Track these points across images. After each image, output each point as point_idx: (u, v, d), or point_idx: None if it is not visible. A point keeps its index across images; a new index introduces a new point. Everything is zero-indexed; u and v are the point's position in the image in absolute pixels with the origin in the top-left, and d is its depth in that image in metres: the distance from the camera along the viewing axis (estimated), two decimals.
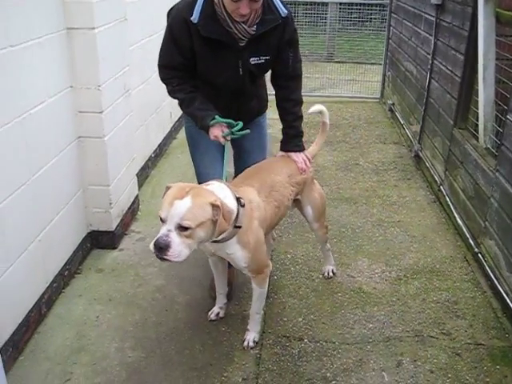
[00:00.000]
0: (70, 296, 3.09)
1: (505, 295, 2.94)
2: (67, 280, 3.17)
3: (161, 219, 2.10)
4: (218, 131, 2.55)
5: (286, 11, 2.59)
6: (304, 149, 2.93)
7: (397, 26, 6.39)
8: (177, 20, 2.51)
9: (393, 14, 6.63)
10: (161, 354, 2.69)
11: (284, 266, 3.42)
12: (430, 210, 4.15)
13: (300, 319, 2.94)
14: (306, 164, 2.87)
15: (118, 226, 3.55)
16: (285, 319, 2.94)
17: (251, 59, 2.60)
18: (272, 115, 6.45)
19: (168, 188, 2.20)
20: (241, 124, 2.57)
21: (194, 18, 2.44)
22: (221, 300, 2.92)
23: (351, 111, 6.70)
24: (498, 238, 3.07)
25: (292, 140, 2.91)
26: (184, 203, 2.06)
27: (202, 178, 2.78)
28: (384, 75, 7.05)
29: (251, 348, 2.71)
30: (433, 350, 2.72)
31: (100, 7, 3.04)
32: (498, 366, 2.61)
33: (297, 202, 2.95)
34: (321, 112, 3.06)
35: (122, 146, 3.54)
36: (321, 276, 3.30)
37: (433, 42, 4.51)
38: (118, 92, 3.41)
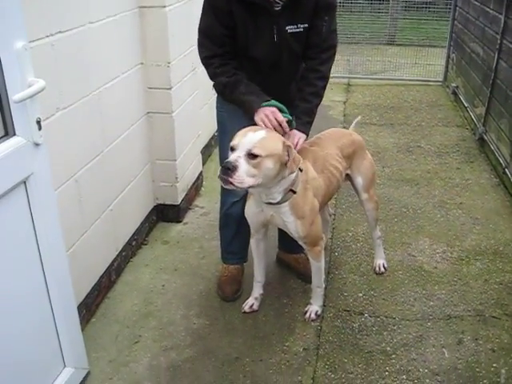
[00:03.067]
0: (138, 265, 3.23)
1: None
2: (135, 250, 3.31)
3: (231, 148, 2.20)
4: (276, 111, 2.40)
5: None
6: (308, 135, 2.62)
7: (463, 5, 6.24)
8: None
9: None
10: (224, 322, 2.78)
11: (345, 243, 3.45)
12: (493, 193, 4.08)
13: (360, 295, 2.97)
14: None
15: (182, 200, 3.67)
16: (345, 294, 2.98)
17: (288, 27, 2.41)
18: (332, 97, 6.47)
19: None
20: (288, 116, 2.46)
21: None
22: (257, 290, 2.87)
23: (413, 94, 6.61)
24: None
25: (301, 116, 2.56)
26: (258, 134, 2.20)
27: None
28: (448, 57, 6.90)
29: (312, 320, 2.77)
30: (495, 329, 2.71)
31: None
32: None
33: (347, 174, 2.93)
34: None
35: (188, 122, 3.64)
36: None
37: (502, 20, 4.39)
38: (186, 69, 3.51)
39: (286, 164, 2.24)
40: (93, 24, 2.57)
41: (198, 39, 2.51)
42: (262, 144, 2.16)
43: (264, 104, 2.40)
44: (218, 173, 2.18)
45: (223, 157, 2.74)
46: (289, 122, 2.43)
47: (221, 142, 2.80)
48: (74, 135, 2.49)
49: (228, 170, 2.12)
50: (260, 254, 2.81)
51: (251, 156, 2.15)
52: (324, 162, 2.65)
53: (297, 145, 2.47)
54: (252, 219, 2.65)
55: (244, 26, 2.39)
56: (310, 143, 2.71)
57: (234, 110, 2.61)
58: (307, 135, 2.60)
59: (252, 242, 2.80)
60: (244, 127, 2.33)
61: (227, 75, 2.46)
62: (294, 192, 2.40)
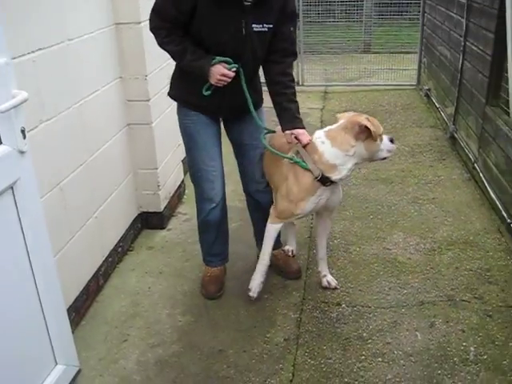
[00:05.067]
0: (124, 270, 3.36)
1: None
2: (121, 256, 3.44)
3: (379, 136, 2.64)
4: (221, 67, 2.53)
5: None
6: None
7: (431, 11, 6.48)
8: None
9: (426, 1, 6.72)
10: (208, 318, 2.92)
11: None
12: (464, 188, 4.26)
13: (338, 287, 3.12)
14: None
15: (165, 207, 3.81)
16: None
17: (254, 26, 2.53)
18: (310, 104, 6.64)
19: (367, 119, 2.62)
20: (235, 65, 2.58)
21: None
22: (262, 274, 2.95)
23: (388, 98, 6.81)
24: None
25: (297, 115, 2.74)
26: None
27: (202, 175, 2.86)
28: (420, 62, 7.13)
29: (336, 287, 3.09)
30: (465, 312, 2.86)
31: (145, 2, 3.29)
32: None
33: None
34: None
35: (167, 132, 3.79)
36: (358, 249, 3.48)
37: (464, 23, 4.61)
38: (163, 81, 3.65)
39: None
40: (71, 41, 2.71)
41: (150, 15, 2.60)
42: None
43: (213, 62, 2.52)
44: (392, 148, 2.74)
45: (198, 168, 2.87)
46: (236, 70, 2.60)
47: (191, 153, 2.89)
48: (58, 146, 2.63)
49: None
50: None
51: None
52: None
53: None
54: (310, 211, 2.85)
55: (209, 14, 2.47)
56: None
57: (199, 119, 2.78)
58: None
59: (277, 227, 2.90)
60: (211, 141, 2.77)
61: (174, 44, 2.57)
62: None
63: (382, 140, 2.67)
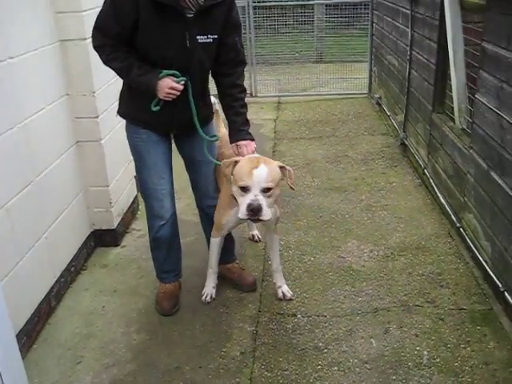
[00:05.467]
0: (78, 290, 3.30)
1: (484, 264, 3.13)
2: (74, 275, 3.38)
3: (243, 188, 2.51)
4: (169, 81, 2.52)
5: None
6: (254, 139, 2.82)
7: (379, 22, 6.63)
8: None
9: (374, 11, 6.89)
10: (163, 335, 2.88)
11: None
12: (416, 193, 4.35)
13: (293, 298, 3.13)
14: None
15: (119, 224, 3.76)
16: (279, 299, 3.13)
17: (198, 37, 2.53)
18: (263, 115, 6.71)
19: (236, 162, 2.57)
20: (184, 78, 2.57)
21: None
22: (213, 280, 3.12)
23: (340, 107, 6.92)
24: (476, 210, 3.26)
25: (243, 127, 2.78)
26: (263, 169, 2.51)
27: (151, 194, 2.87)
28: (370, 70, 7.28)
29: (291, 298, 3.10)
30: (418, 317, 2.92)
31: (90, 18, 3.25)
32: (478, 327, 2.81)
33: None
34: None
35: (118, 148, 3.74)
36: (312, 259, 3.50)
37: (410, 33, 4.73)
38: (111, 98, 3.60)
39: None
40: (13, 59, 2.66)
41: (92, 32, 2.57)
42: (270, 177, 2.52)
43: (160, 75, 2.51)
44: (245, 216, 2.52)
45: (147, 187, 2.87)
46: (184, 83, 2.60)
47: (140, 171, 2.90)
48: (2, 166, 2.57)
49: (257, 211, 2.47)
50: (220, 249, 3.08)
51: (266, 190, 2.51)
52: None
53: (254, 151, 2.77)
54: (230, 224, 2.90)
55: (153, 28, 2.46)
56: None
57: (149, 137, 2.77)
58: (254, 140, 2.82)
59: (216, 240, 3.02)
60: (161, 159, 2.81)
61: (119, 60, 2.56)
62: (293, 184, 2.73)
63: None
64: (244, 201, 2.50)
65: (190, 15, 2.48)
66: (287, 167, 2.65)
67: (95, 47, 2.62)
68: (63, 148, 3.27)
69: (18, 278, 2.68)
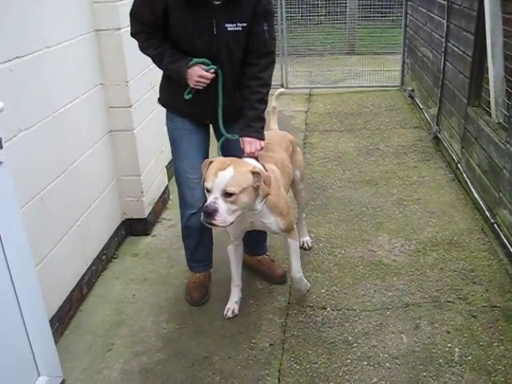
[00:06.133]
0: (108, 278, 3.34)
1: None
2: (105, 264, 3.41)
3: (207, 190, 2.36)
4: (199, 69, 2.53)
5: None
6: (264, 139, 2.70)
7: (413, 13, 6.52)
8: None
9: (409, 2, 6.78)
10: (193, 325, 2.90)
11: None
12: (448, 188, 4.28)
13: (323, 291, 3.12)
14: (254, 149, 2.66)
15: (150, 213, 3.78)
16: (309, 291, 3.12)
17: (227, 25, 2.50)
18: (295, 107, 6.68)
19: (210, 162, 2.44)
20: (213, 66, 2.56)
21: None
22: (236, 294, 2.98)
23: (372, 100, 6.83)
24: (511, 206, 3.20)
25: (252, 124, 2.65)
26: (228, 172, 2.33)
27: (183, 182, 2.86)
28: (403, 63, 7.17)
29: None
30: (449, 313, 2.87)
31: (125, 8, 3.27)
32: None
33: None
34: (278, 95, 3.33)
35: (150, 138, 3.77)
36: (343, 252, 3.48)
37: (445, 25, 4.64)
38: (144, 88, 3.65)
39: (257, 188, 2.41)
40: (49, 48, 2.69)
41: (130, 19, 2.62)
42: (234, 181, 2.32)
43: (189, 65, 2.51)
44: (201, 216, 2.34)
45: (178, 174, 2.90)
46: (215, 72, 2.57)
47: (174, 158, 2.93)
48: (37, 155, 2.61)
49: (209, 214, 2.29)
50: (238, 258, 2.95)
51: (227, 195, 2.31)
52: (283, 162, 2.89)
53: (260, 150, 2.65)
54: (233, 230, 2.77)
55: (181, 16, 2.47)
56: (265, 150, 2.81)
57: (184, 126, 2.77)
58: (263, 139, 2.69)
59: (230, 248, 2.91)
60: (195, 148, 2.70)
61: (153, 48, 2.59)
62: (269, 194, 2.53)
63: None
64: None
65: (217, 2, 2.47)
66: (263, 173, 2.44)
67: (132, 34, 2.66)
68: (96, 137, 3.30)
69: (51, 265, 2.72)
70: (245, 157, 2.61)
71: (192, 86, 2.57)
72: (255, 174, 2.38)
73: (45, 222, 2.68)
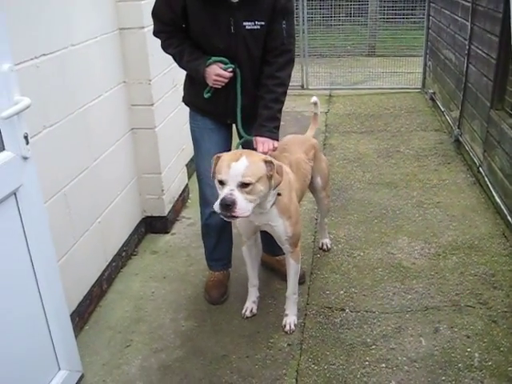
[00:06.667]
0: (128, 274, 3.36)
1: None
2: (125, 260, 3.44)
3: (220, 182, 2.31)
4: (217, 67, 2.53)
5: None
6: (278, 139, 2.68)
7: (436, 14, 6.47)
8: None
9: (431, 4, 6.72)
10: (211, 323, 2.91)
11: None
12: (469, 192, 4.24)
13: (342, 292, 3.11)
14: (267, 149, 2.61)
15: (169, 211, 3.81)
16: (327, 292, 3.11)
17: (245, 23, 2.49)
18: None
19: (218, 158, 2.40)
20: (232, 65, 2.56)
21: None
22: (254, 294, 2.99)
23: (393, 102, 6.80)
24: None
25: (266, 123, 2.61)
26: (242, 163, 2.27)
27: (203, 180, 2.88)
28: (425, 65, 7.11)
29: (293, 331, 2.80)
30: (469, 317, 2.85)
31: (149, 7, 3.29)
32: None
33: None
34: (315, 104, 3.27)
35: (171, 136, 3.79)
36: (362, 254, 3.46)
37: (469, 27, 4.60)
38: (166, 86, 3.67)
39: (271, 177, 2.37)
40: (74, 46, 2.72)
41: (151, 13, 2.65)
42: (249, 171, 2.27)
43: (207, 64, 2.52)
44: (218, 210, 2.30)
45: (199, 172, 2.92)
46: (233, 71, 2.57)
47: (196, 156, 2.94)
48: (61, 151, 2.64)
49: (228, 206, 2.25)
50: (253, 259, 2.94)
51: (244, 185, 2.27)
52: (297, 165, 2.83)
53: (273, 150, 2.61)
54: (243, 229, 2.78)
55: (199, 14, 2.49)
56: (280, 150, 2.80)
57: (205, 124, 2.78)
58: (277, 139, 2.66)
59: (244, 249, 2.90)
60: (216, 147, 2.64)
61: (174, 46, 2.62)
62: (280, 194, 2.53)
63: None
64: (220, 195, 2.31)
65: (234, 0, 2.46)
66: (276, 162, 2.39)
67: (154, 33, 2.69)
68: (118, 134, 3.33)
69: (72, 261, 2.75)
70: None
71: (210, 84, 2.58)
72: (268, 162, 2.34)
73: (67, 218, 2.71)
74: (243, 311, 2.96)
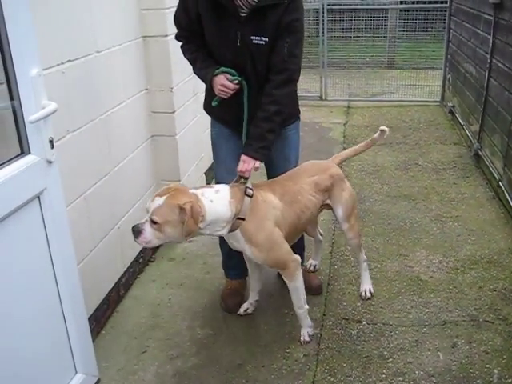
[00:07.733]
0: (145, 281, 3.38)
1: None
2: (142, 267, 3.45)
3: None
4: (223, 78, 2.53)
5: None
6: (262, 160, 2.61)
7: (456, 28, 6.45)
8: None
9: (452, 17, 6.70)
10: (227, 332, 2.91)
11: (344, 256, 3.58)
12: (488, 206, 4.21)
13: (359, 304, 3.09)
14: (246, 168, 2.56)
15: None
16: (344, 304, 3.10)
17: (252, 37, 2.47)
18: (333, 119, 6.67)
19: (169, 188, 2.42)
20: (238, 78, 2.55)
21: None
22: (252, 297, 3.05)
23: (411, 114, 6.78)
24: None
25: (252, 142, 2.57)
26: (157, 202, 2.32)
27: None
28: (444, 78, 7.09)
29: (307, 342, 2.80)
30: (488, 333, 2.81)
31: (171, 16, 3.32)
32: None
33: (328, 204, 2.95)
34: (382, 130, 3.17)
35: (191, 144, 3.82)
36: (379, 266, 3.45)
37: (491, 40, 4.58)
38: (188, 94, 3.70)
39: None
40: (99, 53, 2.76)
41: (173, 19, 2.69)
42: (158, 212, 2.30)
43: (215, 73, 2.54)
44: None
45: (217, 179, 2.95)
46: (239, 83, 2.56)
47: (215, 166, 2.99)
48: (83, 156, 2.66)
49: (134, 231, 2.34)
50: (252, 266, 2.95)
51: (152, 222, 2.31)
52: (295, 196, 2.70)
53: (255, 170, 2.56)
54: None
55: (209, 24, 2.52)
56: (285, 177, 2.77)
57: (221, 132, 2.80)
58: (261, 160, 2.58)
59: (244, 256, 2.88)
60: (232, 154, 2.68)
61: (190, 52, 2.67)
62: (243, 219, 2.48)
63: None
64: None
65: (243, 14, 2.45)
66: (194, 210, 2.28)
67: (175, 37, 2.74)
68: (139, 141, 3.35)
69: (91, 265, 2.77)
70: (239, 174, 2.57)
71: (216, 94, 2.60)
72: (182, 209, 2.27)
73: (87, 222, 2.73)
74: (240, 308, 3.04)
